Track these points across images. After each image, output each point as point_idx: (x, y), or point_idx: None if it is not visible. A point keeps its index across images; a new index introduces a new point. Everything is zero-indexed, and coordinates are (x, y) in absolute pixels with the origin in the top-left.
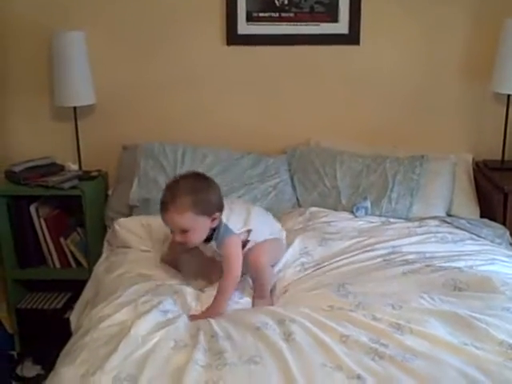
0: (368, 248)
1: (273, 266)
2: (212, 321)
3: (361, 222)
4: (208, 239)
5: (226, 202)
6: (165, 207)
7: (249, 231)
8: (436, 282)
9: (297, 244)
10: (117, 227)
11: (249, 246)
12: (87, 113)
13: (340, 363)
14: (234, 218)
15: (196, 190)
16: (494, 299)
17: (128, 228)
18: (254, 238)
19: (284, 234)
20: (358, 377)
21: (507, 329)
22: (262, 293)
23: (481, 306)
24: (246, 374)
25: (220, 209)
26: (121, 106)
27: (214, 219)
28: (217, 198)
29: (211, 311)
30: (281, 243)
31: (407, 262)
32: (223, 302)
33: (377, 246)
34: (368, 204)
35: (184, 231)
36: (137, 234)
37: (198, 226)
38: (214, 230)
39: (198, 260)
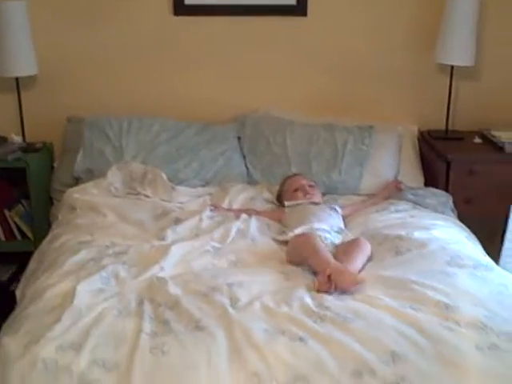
0: None
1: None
2: (161, 289)
3: None
4: None
5: None
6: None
7: None
8: (378, 249)
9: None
10: (67, 193)
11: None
12: (30, 83)
13: (283, 327)
14: None
15: None
16: (432, 264)
17: (78, 190)
18: None
19: None
20: (301, 339)
21: (443, 291)
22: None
23: (419, 270)
24: (191, 340)
25: None
26: (65, 77)
27: None
28: None
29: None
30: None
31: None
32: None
33: None
34: None
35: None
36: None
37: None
38: None
39: None
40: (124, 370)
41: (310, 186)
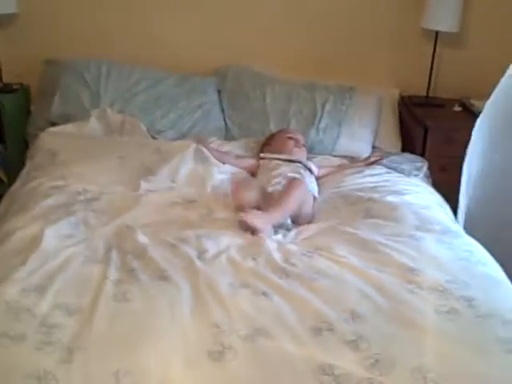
0: None
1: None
2: (129, 237)
3: None
4: None
5: None
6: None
7: None
8: (349, 212)
9: None
10: (42, 135)
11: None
12: (9, 22)
13: (247, 281)
14: None
15: None
16: (401, 227)
17: (56, 132)
18: None
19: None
20: (264, 293)
21: (409, 254)
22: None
23: (388, 233)
24: (155, 289)
25: None
26: (45, 18)
27: None
28: None
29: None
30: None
31: (328, 196)
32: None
33: None
34: None
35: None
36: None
37: None
38: None
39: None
40: (86, 314)
41: (303, 145)
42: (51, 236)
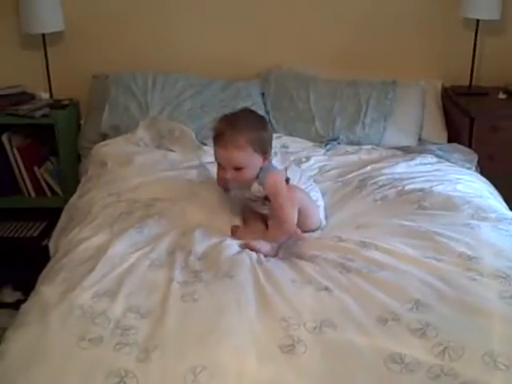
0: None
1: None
2: (190, 241)
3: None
4: None
5: None
6: (222, 142)
7: (286, 168)
8: (401, 204)
9: None
10: (95, 148)
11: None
12: (56, 40)
13: (309, 278)
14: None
15: (254, 127)
16: (456, 216)
17: (106, 144)
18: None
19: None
20: (326, 288)
21: (466, 242)
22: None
23: (442, 223)
24: (220, 287)
25: (271, 148)
26: (91, 34)
27: (265, 158)
28: (271, 137)
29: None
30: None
31: (378, 186)
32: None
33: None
34: (336, 143)
35: (238, 168)
36: (115, 149)
37: (253, 164)
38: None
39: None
40: (158, 316)
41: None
42: (117, 244)
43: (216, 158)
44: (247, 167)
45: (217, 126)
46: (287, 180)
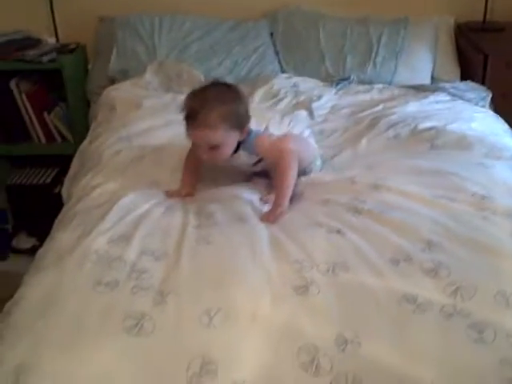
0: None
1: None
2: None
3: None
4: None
5: None
6: (194, 122)
7: (266, 127)
8: (414, 142)
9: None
10: (104, 93)
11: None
12: None
13: (320, 221)
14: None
15: (228, 101)
16: (469, 155)
17: (115, 88)
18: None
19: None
20: (338, 231)
21: (480, 182)
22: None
23: (456, 162)
24: (234, 230)
25: (249, 119)
26: None
27: (244, 132)
28: (246, 109)
29: (277, 207)
30: (310, 144)
31: (390, 124)
32: (286, 193)
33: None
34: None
35: (214, 147)
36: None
37: (230, 141)
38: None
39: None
40: (173, 259)
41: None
42: (130, 192)
43: (189, 137)
44: (224, 145)
45: (186, 103)
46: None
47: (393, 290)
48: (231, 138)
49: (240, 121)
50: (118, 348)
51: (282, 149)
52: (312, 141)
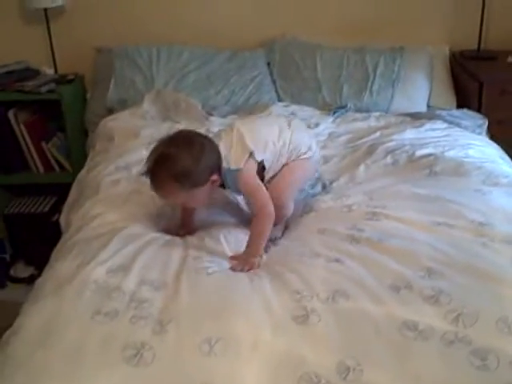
0: (351, 141)
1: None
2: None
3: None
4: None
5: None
6: (151, 183)
7: (251, 154)
8: (412, 169)
9: None
10: (102, 123)
11: (267, 176)
12: (58, 14)
13: (318, 251)
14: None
15: (184, 160)
16: (467, 182)
17: (113, 118)
18: (270, 164)
19: (316, 148)
20: (337, 260)
21: (478, 208)
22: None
23: (454, 189)
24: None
25: (218, 168)
26: (91, 6)
27: (213, 181)
28: (211, 160)
29: (249, 255)
30: (309, 164)
31: (388, 151)
32: (260, 242)
33: (361, 138)
34: (344, 111)
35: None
36: (122, 123)
37: (194, 195)
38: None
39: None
40: (172, 288)
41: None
42: (131, 223)
43: None
44: (189, 201)
45: (147, 160)
46: (261, 162)
47: (393, 317)
48: (193, 194)
49: (198, 179)
50: (118, 378)
51: (262, 205)
52: (314, 141)
